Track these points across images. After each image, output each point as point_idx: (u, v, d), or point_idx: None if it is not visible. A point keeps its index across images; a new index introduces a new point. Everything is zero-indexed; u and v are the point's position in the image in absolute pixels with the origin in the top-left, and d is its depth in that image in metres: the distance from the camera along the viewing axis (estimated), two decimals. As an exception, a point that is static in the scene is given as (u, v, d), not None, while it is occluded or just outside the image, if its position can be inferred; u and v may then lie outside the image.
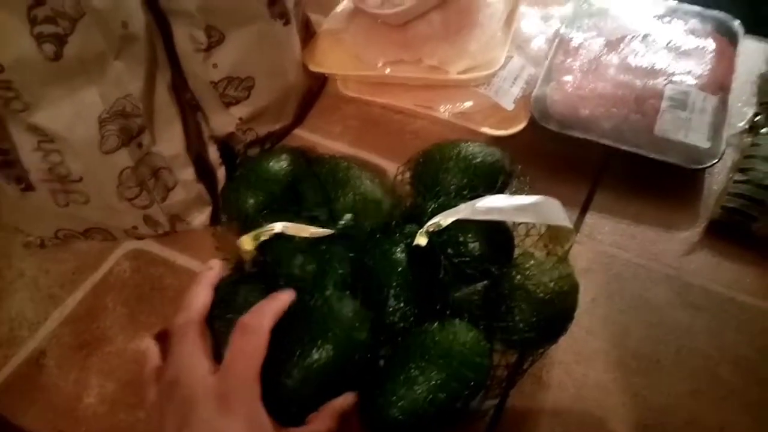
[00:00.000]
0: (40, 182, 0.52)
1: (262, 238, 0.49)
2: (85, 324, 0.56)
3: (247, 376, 0.40)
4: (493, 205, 0.49)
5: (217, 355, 0.43)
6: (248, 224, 0.52)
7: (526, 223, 0.54)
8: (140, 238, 0.60)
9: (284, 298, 0.45)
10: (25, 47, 0.44)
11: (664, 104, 0.61)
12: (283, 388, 0.44)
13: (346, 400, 0.45)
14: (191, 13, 0.52)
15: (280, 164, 0.56)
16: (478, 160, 0.56)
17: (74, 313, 0.56)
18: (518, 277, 0.49)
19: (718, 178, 0.62)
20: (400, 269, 0.49)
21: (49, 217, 0.56)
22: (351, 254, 0.51)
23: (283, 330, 0.45)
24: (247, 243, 0.49)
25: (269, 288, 0.48)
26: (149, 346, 0.47)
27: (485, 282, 0.52)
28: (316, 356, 0.44)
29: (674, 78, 0.63)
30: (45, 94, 0.47)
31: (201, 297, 0.45)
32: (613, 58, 0.66)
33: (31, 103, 0.47)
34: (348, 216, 0.53)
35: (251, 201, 0.55)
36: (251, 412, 0.39)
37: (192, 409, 0.39)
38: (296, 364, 0.44)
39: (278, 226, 0.49)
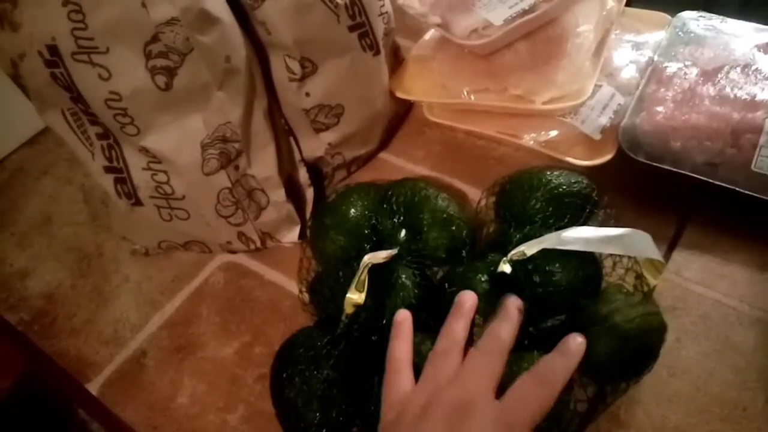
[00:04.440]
0: (148, 198, 0.57)
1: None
2: (181, 329, 0.60)
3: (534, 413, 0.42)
4: (580, 235, 0.49)
5: None
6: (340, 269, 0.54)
7: (613, 256, 0.53)
8: (233, 252, 0.65)
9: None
10: (141, 78, 0.49)
11: (762, 139, 0.58)
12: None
13: None
14: (288, 46, 0.55)
15: (357, 207, 0.58)
16: (565, 188, 0.55)
17: (172, 318, 0.61)
18: (602, 310, 0.48)
19: (822, 219, 0.59)
20: (484, 297, 0.49)
21: (154, 229, 0.62)
22: (417, 271, 0.53)
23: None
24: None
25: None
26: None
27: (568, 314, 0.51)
28: None
29: (777, 111, 0.60)
30: (155, 120, 0.52)
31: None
32: (709, 89, 0.63)
33: (142, 128, 0.52)
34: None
35: (335, 246, 0.56)
36: None
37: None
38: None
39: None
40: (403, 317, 0.49)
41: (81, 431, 0.77)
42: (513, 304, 0.47)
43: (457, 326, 0.47)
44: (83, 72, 0.48)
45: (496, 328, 0.46)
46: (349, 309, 0.50)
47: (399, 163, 0.71)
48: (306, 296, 0.56)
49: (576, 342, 0.45)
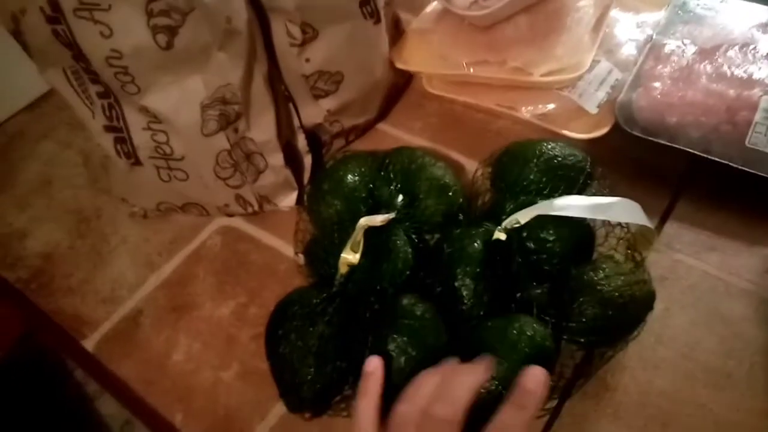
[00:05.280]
0: (147, 159, 0.58)
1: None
2: (177, 289, 0.61)
3: None
4: (571, 203, 0.50)
5: None
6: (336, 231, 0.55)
7: (606, 226, 0.54)
8: (231, 215, 0.65)
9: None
10: (142, 37, 0.49)
11: (758, 116, 0.59)
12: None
13: None
14: (289, 11, 0.55)
15: (355, 173, 0.59)
16: (560, 159, 0.56)
17: (169, 278, 0.62)
18: (591, 277, 0.49)
19: (813, 195, 0.59)
20: (479, 260, 0.50)
21: (152, 190, 0.62)
22: (414, 235, 0.54)
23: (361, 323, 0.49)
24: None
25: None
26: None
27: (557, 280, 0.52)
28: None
29: (772, 89, 0.61)
30: (156, 79, 0.52)
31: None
32: (706, 67, 0.64)
33: (143, 87, 0.52)
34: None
35: (332, 211, 0.57)
36: None
37: None
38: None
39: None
40: (373, 368, 0.44)
41: (77, 392, 0.78)
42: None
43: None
44: (85, 29, 0.48)
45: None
46: (343, 268, 0.51)
47: (397, 134, 0.71)
48: (301, 258, 0.57)
49: (536, 380, 0.39)
